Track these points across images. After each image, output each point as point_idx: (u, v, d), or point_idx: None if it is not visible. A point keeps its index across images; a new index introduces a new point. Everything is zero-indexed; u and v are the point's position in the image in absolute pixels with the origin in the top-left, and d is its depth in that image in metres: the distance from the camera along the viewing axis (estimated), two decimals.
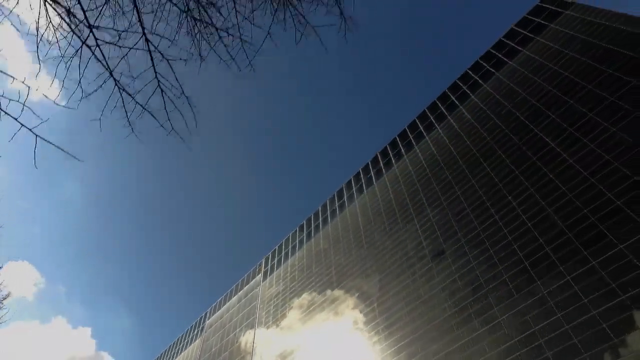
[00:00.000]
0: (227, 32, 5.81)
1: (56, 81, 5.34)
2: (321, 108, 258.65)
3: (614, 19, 32.45)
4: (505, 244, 28.60)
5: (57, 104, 5.50)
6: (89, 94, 5.44)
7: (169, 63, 5.70)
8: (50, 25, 5.13)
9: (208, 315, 67.10)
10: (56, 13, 5.07)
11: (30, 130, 5.15)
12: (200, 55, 5.93)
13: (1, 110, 5.00)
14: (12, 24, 5.17)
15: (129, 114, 5.76)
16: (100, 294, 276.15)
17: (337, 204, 51.76)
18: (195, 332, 67.25)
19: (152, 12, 5.51)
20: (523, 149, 32.54)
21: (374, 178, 48.81)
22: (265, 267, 59.34)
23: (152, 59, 5.63)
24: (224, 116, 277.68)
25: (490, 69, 42.28)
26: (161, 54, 5.61)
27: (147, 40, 5.49)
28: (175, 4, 5.65)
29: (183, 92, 5.94)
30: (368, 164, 52.08)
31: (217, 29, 5.83)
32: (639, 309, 20.44)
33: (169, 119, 6.03)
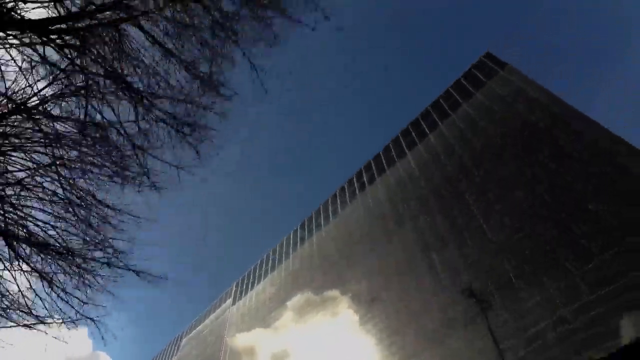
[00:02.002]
0: None
1: None
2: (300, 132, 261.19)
3: (534, 89, 35.22)
4: (420, 307, 31.71)
5: None
6: None
7: None
8: None
9: (185, 333, 70.53)
10: None
11: None
12: None
13: None
14: None
15: None
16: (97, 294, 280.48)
17: (299, 236, 54.88)
18: (173, 349, 70.70)
19: None
20: (449, 210, 35.47)
21: (332, 214, 51.85)
22: (235, 291, 62.60)
23: None
24: None
25: (437, 120, 45.14)
26: None
27: None
28: None
29: None
30: (334, 195, 55.16)
31: None
32: None
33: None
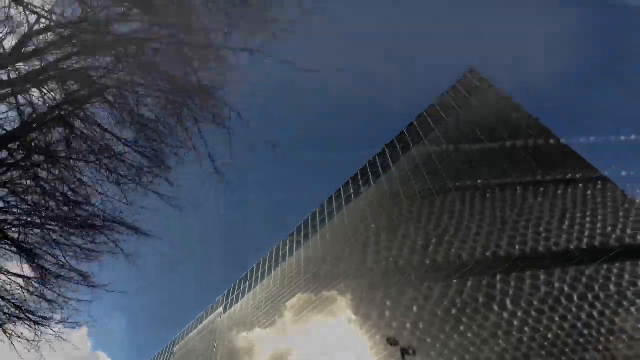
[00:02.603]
0: None
1: None
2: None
3: (511, 109, 35.80)
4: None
5: None
6: None
7: None
8: None
9: (177, 340, 71.40)
10: None
11: None
12: None
13: None
14: None
15: None
16: (96, 294, 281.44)
17: (287, 249, 55.63)
18: (166, 355, 71.59)
19: None
20: (427, 230, 36.09)
21: (315, 230, 52.55)
22: (226, 300, 63.39)
23: None
24: None
25: (421, 134, 45.72)
26: None
27: None
28: None
29: None
30: (321, 206, 55.85)
31: None
32: None
33: None
